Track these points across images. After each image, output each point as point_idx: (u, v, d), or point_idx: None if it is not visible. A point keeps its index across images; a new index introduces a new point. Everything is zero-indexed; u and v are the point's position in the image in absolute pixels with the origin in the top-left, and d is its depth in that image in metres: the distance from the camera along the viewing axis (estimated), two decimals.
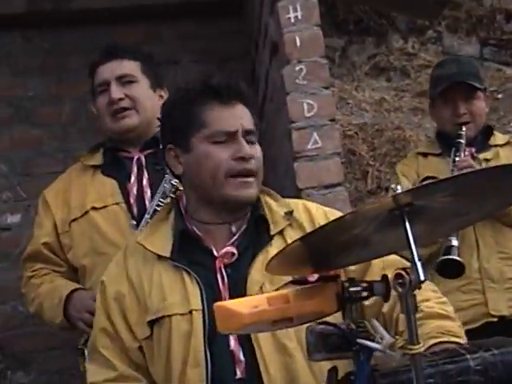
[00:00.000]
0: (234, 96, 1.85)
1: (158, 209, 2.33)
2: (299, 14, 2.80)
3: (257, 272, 1.79)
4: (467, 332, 1.78)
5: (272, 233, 1.86)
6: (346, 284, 1.43)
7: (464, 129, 2.90)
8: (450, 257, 2.66)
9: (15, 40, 3.62)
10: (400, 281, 1.30)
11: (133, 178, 2.53)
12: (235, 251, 1.83)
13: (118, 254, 1.96)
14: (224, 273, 1.82)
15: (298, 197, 2.55)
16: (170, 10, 3.63)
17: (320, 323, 1.44)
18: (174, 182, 2.33)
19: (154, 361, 1.82)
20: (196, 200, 1.90)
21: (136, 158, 2.56)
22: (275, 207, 1.91)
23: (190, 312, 1.78)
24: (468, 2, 5.26)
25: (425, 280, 1.27)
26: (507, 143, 2.99)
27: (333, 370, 1.47)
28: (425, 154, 3.04)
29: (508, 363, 1.44)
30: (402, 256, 1.73)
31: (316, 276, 1.49)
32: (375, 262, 1.80)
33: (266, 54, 3.19)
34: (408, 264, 1.33)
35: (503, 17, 5.29)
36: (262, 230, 1.87)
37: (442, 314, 1.73)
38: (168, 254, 1.85)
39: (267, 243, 1.84)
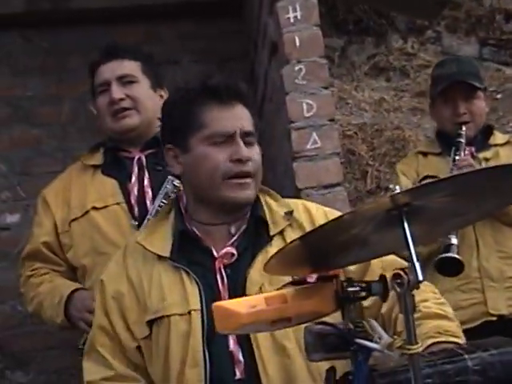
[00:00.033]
0: (233, 96, 1.85)
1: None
2: (298, 14, 2.80)
3: (256, 272, 1.79)
4: (466, 331, 1.78)
5: (272, 233, 1.86)
6: (344, 284, 1.43)
7: (464, 128, 2.91)
8: (449, 255, 2.66)
9: (15, 40, 3.62)
10: (398, 281, 1.30)
11: (134, 178, 2.53)
12: (235, 252, 1.83)
13: (118, 254, 1.96)
14: (223, 273, 1.82)
15: (297, 197, 2.55)
16: (170, 10, 3.63)
17: (318, 323, 1.45)
18: (177, 183, 2.33)
19: (152, 361, 1.82)
20: (195, 200, 1.90)
21: (137, 158, 2.56)
22: (275, 207, 1.91)
23: (189, 312, 1.78)
24: (467, 2, 5.26)
25: (423, 280, 1.27)
26: (507, 143, 2.99)
27: (331, 370, 1.47)
28: (425, 154, 3.05)
29: (506, 363, 1.45)
30: (400, 256, 1.73)
31: (315, 277, 1.49)
32: (375, 262, 1.80)
33: (265, 54, 3.19)
34: (407, 264, 1.33)
35: (502, 17, 5.29)
36: (261, 231, 1.87)
37: (440, 314, 1.73)
38: (168, 254, 1.85)
39: (267, 243, 1.84)
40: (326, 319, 1.46)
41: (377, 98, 4.77)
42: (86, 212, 2.52)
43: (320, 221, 1.85)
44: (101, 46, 2.66)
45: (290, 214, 1.89)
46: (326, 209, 1.97)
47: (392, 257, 1.79)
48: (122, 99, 2.54)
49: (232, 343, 1.77)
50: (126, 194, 2.51)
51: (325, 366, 1.50)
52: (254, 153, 1.86)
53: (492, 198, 1.42)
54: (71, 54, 3.58)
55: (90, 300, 2.38)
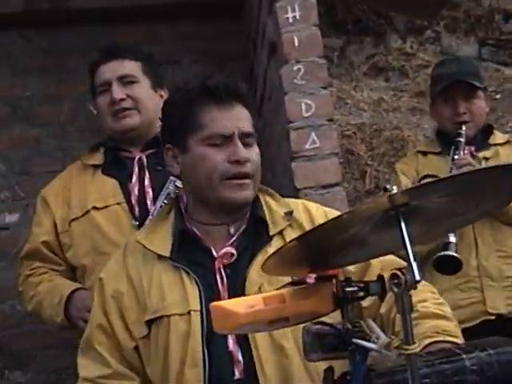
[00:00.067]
0: (232, 97, 1.85)
1: None
2: (297, 14, 2.80)
3: (256, 272, 1.79)
4: (465, 330, 1.78)
5: (271, 233, 1.86)
6: (342, 284, 1.43)
7: (464, 128, 2.91)
8: (448, 253, 2.66)
9: (15, 40, 3.62)
10: (396, 281, 1.30)
11: (134, 178, 2.53)
12: (234, 252, 1.84)
13: (118, 252, 1.96)
14: (223, 273, 1.82)
15: (296, 197, 2.55)
16: (170, 10, 3.63)
17: (316, 323, 1.45)
18: (179, 183, 2.33)
19: (151, 360, 1.82)
20: (194, 200, 1.90)
21: (137, 158, 2.57)
22: (275, 207, 1.91)
23: (189, 312, 1.78)
24: (466, 2, 5.26)
25: (420, 280, 1.27)
26: (507, 142, 2.99)
27: (329, 370, 1.47)
28: (424, 153, 3.05)
29: (504, 363, 1.44)
30: (400, 256, 1.73)
31: (314, 278, 1.49)
32: (374, 263, 1.80)
33: (264, 54, 3.19)
34: (405, 264, 1.33)
35: (502, 17, 5.28)
36: (261, 231, 1.88)
37: (437, 313, 1.73)
38: (167, 254, 1.85)
39: (266, 243, 1.84)
40: (324, 319, 1.46)
41: (376, 98, 4.77)
42: (87, 212, 2.52)
43: (320, 221, 1.85)
44: (100, 46, 2.67)
45: (289, 214, 1.89)
46: (326, 209, 1.97)
47: (391, 257, 1.78)
48: (122, 99, 2.55)
49: (231, 343, 1.77)
50: (127, 194, 2.52)
51: (323, 365, 1.50)
52: (253, 153, 1.86)
53: (491, 197, 1.41)
54: (71, 54, 3.58)
55: (90, 300, 2.38)
